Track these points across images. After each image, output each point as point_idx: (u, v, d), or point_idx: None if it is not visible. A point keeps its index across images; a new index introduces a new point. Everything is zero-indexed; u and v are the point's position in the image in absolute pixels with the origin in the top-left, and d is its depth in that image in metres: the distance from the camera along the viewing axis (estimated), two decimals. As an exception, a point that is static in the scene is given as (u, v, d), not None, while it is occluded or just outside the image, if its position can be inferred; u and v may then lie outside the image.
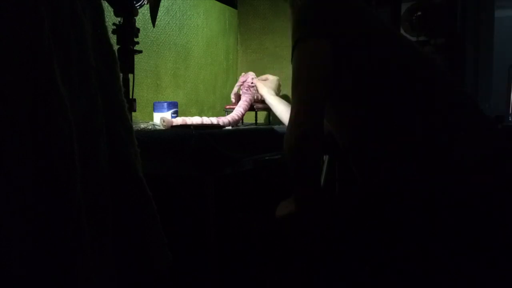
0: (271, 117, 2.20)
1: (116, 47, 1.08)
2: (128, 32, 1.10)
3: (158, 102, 1.61)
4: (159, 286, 0.88)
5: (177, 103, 1.61)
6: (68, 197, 0.67)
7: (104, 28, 0.81)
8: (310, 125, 0.96)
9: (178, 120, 1.45)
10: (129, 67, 1.12)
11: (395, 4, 2.60)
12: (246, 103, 1.81)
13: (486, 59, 2.93)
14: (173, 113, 1.59)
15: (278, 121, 2.45)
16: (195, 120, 1.47)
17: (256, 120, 1.97)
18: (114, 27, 1.10)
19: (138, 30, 1.13)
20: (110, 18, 1.10)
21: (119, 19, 1.10)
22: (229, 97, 2.02)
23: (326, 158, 1.82)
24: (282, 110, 1.61)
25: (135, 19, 1.12)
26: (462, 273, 0.89)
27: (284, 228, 1.10)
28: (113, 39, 0.96)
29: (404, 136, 0.96)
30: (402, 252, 0.94)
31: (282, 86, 2.54)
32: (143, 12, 1.66)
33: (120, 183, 0.81)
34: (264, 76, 1.82)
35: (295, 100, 1.00)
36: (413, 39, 2.57)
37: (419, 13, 2.53)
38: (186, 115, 1.56)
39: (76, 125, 0.70)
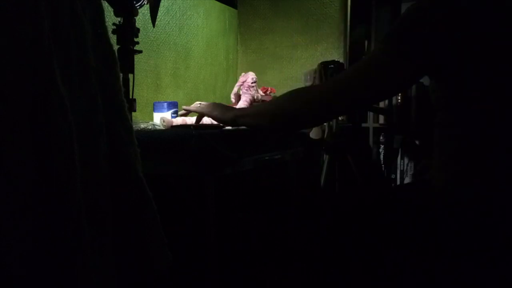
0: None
1: (116, 47, 1.08)
2: (128, 32, 1.10)
3: (158, 102, 1.61)
4: (159, 286, 0.88)
5: (177, 103, 1.61)
6: (68, 197, 0.67)
7: (104, 28, 0.81)
8: (338, 106, 0.99)
9: (178, 120, 1.45)
10: (129, 67, 1.12)
11: (395, 4, 2.60)
12: (246, 103, 1.81)
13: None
14: (173, 113, 1.59)
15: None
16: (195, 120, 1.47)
17: (256, 120, 1.96)
18: (114, 27, 1.10)
19: (138, 30, 1.13)
20: (110, 18, 1.10)
21: (119, 19, 1.10)
22: (229, 97, 2.02)
23: (326, 158, 1.82)
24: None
25: (135, 19, 1.12)
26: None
27: None
28: (113, 39, 0.96)
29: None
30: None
31: (281, 86, 2.54)
32: (143, 12, 1.66)
33: (120, 183, 0.81)
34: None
35: (341, 78, 1.00)
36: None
37: (419, 13, 2.53)
38: (186, 115, 1.56)
39: (76, 125, 0.70)
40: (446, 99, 0.93)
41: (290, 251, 1.80)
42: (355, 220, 1.06)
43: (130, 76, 1.12)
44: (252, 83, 1.87)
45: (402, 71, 0.91)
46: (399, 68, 0.91)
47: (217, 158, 1.17)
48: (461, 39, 0.86)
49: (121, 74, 0.89)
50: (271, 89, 2.05)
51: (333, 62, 1.79)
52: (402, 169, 2.51)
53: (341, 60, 2.31)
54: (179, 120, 1.45)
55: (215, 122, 1.49)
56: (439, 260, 0.91)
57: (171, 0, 2.01)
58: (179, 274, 1.15)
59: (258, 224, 1.73)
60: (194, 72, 2.21)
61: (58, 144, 0.66)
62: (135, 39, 1.13)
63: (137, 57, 1.21)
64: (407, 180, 2.41)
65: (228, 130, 1.28)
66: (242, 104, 1.80)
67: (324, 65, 1.77)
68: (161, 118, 1.40)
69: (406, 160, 2.48)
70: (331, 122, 1.80)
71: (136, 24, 1.13)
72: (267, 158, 1.46)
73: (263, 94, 1.98)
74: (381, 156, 2.60)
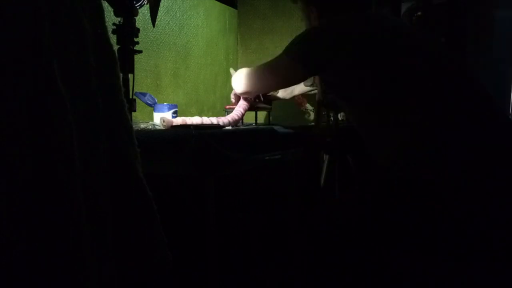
0: (271, 117, 2.20)
1: (116, 47, 1.08)
2: (128, 32, 1.10)
3: (158, 104, 1.61)
4: (159, 286, 0.88)
5: (176, 105, 1.62)
6: (68, 197, 0.67)
7: (104, 28, 0.81)
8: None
9: (178, 120, 1.45)
10: (129, 67, 1.12)
11: (395, 4, 2.60)
12: (246, 103, 1.81)
13: (486, 59, 2.93)
14: (173, 113, 1.59)
15: (278, 121, 2.45)
16: (195, 120, 1.47)
17: (256, 120, 1.97)
18: (114, 27, 1.10)
19: (138, 30, 1.13)
20: (110, 18, 1.10)
21: (119, 19, 1.10)
22: (229, 97, 2.02)
23: (326, 158, 1.82)
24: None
25: (135, 19, 1.12)
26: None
27: None
28: (113, 39, 0.96)
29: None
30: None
31: (282, 86, 2.54)
32: (143, 12, 1.66)
33: (120, 183, 0.81)
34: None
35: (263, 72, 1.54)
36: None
37: (419, 13, 2.53)
38: (186, 115, 1.56)
39: (76, 125, 0.70)
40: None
41: (290, 251, 1.80)
42: (355, 220, 1.06)
43: (130, 76, 1.12)
44: (252, 83, 1.87)
45: (296, 72, 1.41)
46: (295, 69, 1.39)
47: (217, 158, 1.17)
48: (344, 55, 1.24)
49: (121, 74, 0.89)
50: None
51: (333, 62, 1.79)
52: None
53: (341, 60, 2.31)
54: (179, 120, 1.45)
55: (215, 122, 1.49)
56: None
57: (171, 0, 2.01)
58: (179, 274, 1.15)
59: (258, 224, 1.73)
60: (194, 72, 2.21)
61: (58, 144, 0.66)
62: (135, 39, 1.13)
63: (137, 57, 1.21)
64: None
65: (228, 130, 1.29)
66: (242, 104, 1.80)
67: (324, 65, 1.77)
68: (161, 118, 1.39)
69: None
70: (331, 122, 1.79)
71: (136, 24, 1.13)
72: (267, 158, 1.46)
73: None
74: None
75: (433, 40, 1.30)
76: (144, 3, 1.21)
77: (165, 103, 1.60)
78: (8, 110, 0.62)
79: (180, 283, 1.32)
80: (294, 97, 2.24)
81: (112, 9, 1.09)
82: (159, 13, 1.63)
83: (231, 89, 1.93)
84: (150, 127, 1.36)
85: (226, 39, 2.52)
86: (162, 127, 1.38)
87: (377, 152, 1.17)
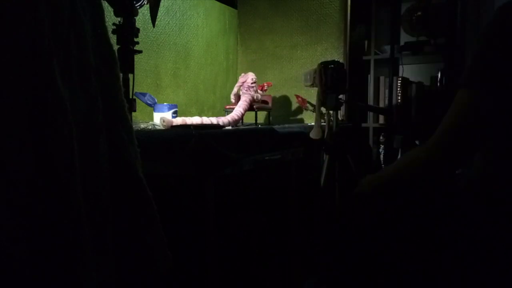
0: (271, 117, 2.20)
1: (116, 47, 1.08)
2: (128, 32, 1.10)
3: (158, 104, 1.62)
4: (159, 286, 0.88)
5: (176, 105, 1.62)
6: (68, 197, 0.67)
7: (104, 28, 0.81)
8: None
9: (178, 120, 1.45)
10: (129, 67, 1.12)
11: (395, 4, 2.60)
12: (245, 103, 1.81)
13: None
14: (173, 113, 1.59)
15: (278, 121, 2.46)
16: (195, 120, 1.47)
17: (256, 120, 1.97)
18: (114, 27, 1.10)
19: (138, 30, 1.13)
20: (110, 18, 1.10)
21: (119, 19, 1.10)
22: (229, 97, 2.02)
23: (326, 158, 1.82)
24: None
25: (135, 19, 1.12)
26: None
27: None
28: (113, 39, 0.96)
29: None
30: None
31: (281, 86, 2.54)
32: (143, 12, 1.66)
33: (120, 183, 0.81)
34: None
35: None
36: (413, 39, 2.57)
37: (419, 13, 2.53)
38: (186, 115, 1.56)
39: (76, 125, 0.70)
40: None
41: (290, 251, 1.80)
42: (355, 219, 1.06)
43: (130, 76, 1.12)
44: (252, 83, 1.87)
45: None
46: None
47: (217, 158, 1.17)
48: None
49: (121, 74, 0.89)
50: (267, 83, 2.06)
51: (333, 62, 1.79)
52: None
53: (341, 60, 2.31)
54: (179, 120, 1.45)
55: (215, 122, 1.49)
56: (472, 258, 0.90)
57: (171, 0, 2.01)
58: (179, 274, 1.15)
59: (258, 224, 1.73)
60: (194, 72, 2.21)
61: (58, 144, 0.66)
62: (135, 39, 1.13)
63: (137, 57, 1.21)
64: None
65: (228, 130, 1.29)
66: (242, 104, 1.80)
67: (324, 65, 1.77)
68: (161, 118, 1.40)
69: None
70: (331, 122, 1.79)
71: (136, 24, 1.13)
72: (267, 158, 1.46)
73: (262, 93, 1.99)
74: (381, 156, 2.60)
75: None
76: (144, 3, 1.21)
77: (165, 103, 1.60)
78: (8, 110, 0.62)
79: (180, 283, 1.32)
80: (296, 97, 2.25)
81: (112, 9, 1.09)
82: (159, 13, 1.63)
83: (231, 89, 1.93)
84: (150, 127, 1.36)
85: (226, 39, 2.52)
86: (162, 127, 1.38)
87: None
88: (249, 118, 2.00)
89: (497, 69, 0.88)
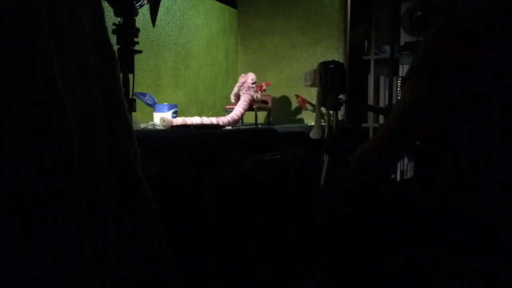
0: (271, 117, 2.20)
1: (116, 47, 1.08)
2: (128, 32, 1.10)
3: (158, 104, 1.62)
4: (159, 286, 0.88)
5: (176, 105, 1.62)
6: (68, 197, 0.67)
7: (104, 28, 0.81)
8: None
9: (178, 120, 1.45)
10: (129, 67, 1.12)
11: (395, 4, 2.60)
12: (245, 103, 1.81)
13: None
14: (173, 113, 1.59)
15: (278, 121, 2.45)
16: (195, 120, 1.47)
17: (256, 120, 1.97)
18: (114, 27, 1.10)
19: (138, 30, 1.13)
20: (110, 18, 1.10)
21: (119, 19, 1.10)
22: (229, 97, 2.02)
23: (326, 158, 1.82)
24: None
25: (135, 19, 1.12)
26: None
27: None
28: (113, 39, 0.96)
29: None
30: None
31: (281, 86, 2.54)
32: (143, 12, 1.66)
33: (120, 183, 0.81)
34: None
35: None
36: (413, 39, 2.57)
37: (419, 13, 2.53)
38: (186, 115, 1.56)
39: (76, 125, 0.70)
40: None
41: (290, 251, 1.80)
42: (355, 219, 1.06)
43: (130, 76, 1.12)
44: (252, 83, 1.87)
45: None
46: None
47: (217, 158, 1.17)
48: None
49: (121, 74, 0.89)
50: (265, 83, 2.05)
51: (333, 62, 1.78)
52: (402, 169, 2.51)
53: (341, 60, 2.31)
54: (179, 120, 1.45)
55: (215, 122, 1.49)
56: (446, 257, 0.91)
57: (171, 0, 2.01)
58: (179, 274, 1.15)
59: (258, 224, 1.73)
60: (194, 72, 2.21)
61: (58, 144, 0.66)
62: (135, 39, 1.13)
63: (137, 57, 1.22)
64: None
65: (228, 130, 1.29)
66: (241, 104, 1.80)
67: (324, 65, 1.77)
68: (161, 118, 1.40)
69: (406, 160, 2.48)
70: (331, 122, 1.79)
71: (136, 24, 1.13)
72: (267, 158, 1.46)
73: (261, 93, 1.98)
74: (381, 156, 2.60)
75: None
76: (144, 3, 1.21)
77: (165, 103, 1.60)
78: (8, 110, 0.62)
79: (180, 283, 1.32)
80: (296, 97, 2.25)
81: (112, 9, 1.09)
82: (159, 13, 1.63)
83: (231, 89, 1.93)
84: (150, 127, 1.36)
85: (226, 39, 2.52)
86: (162, 127, 1.38)
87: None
88: (249, 118, 2.00)
89: (435, 66, 0.95)
